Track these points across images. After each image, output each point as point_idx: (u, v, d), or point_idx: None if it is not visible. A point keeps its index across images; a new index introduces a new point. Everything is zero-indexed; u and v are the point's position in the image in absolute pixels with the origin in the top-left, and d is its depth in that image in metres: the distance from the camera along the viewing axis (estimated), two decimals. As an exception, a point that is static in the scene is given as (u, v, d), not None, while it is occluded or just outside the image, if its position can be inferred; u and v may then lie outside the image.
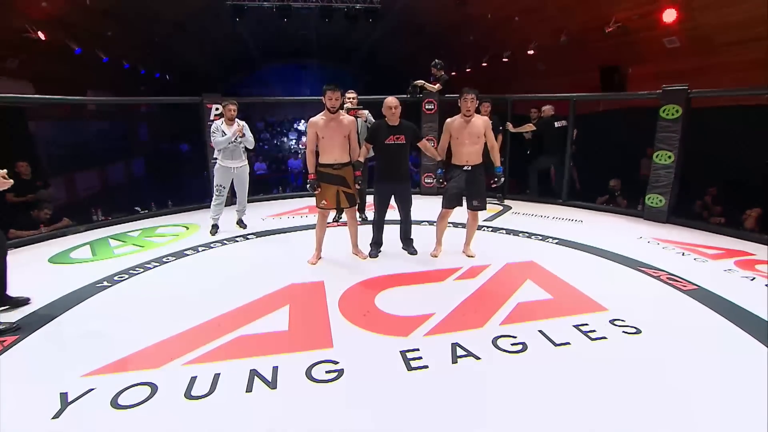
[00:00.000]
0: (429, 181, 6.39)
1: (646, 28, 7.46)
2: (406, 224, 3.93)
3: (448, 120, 3.69)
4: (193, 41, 13.80)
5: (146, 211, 5.93)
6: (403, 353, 2.33)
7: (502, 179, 3.69)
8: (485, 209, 3.80)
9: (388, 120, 3.63)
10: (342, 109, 4.55)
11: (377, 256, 3.87)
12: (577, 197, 6.13)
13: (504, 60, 11.75)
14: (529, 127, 6.06)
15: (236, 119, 4.62)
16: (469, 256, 3.84)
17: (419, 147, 3.85)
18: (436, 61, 6.30)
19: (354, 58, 17.93)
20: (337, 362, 2.27)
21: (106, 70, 11.28)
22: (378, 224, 3.90)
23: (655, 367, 2.21)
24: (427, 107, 6.32)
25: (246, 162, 4.75)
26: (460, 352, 2.35)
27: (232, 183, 4.72)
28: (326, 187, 3.60)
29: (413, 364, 2.24)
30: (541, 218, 5.31)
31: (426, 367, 2.21)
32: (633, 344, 2.44)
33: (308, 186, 3.63)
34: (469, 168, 3.65)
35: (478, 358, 2.30)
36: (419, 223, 4.70)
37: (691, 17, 6.43)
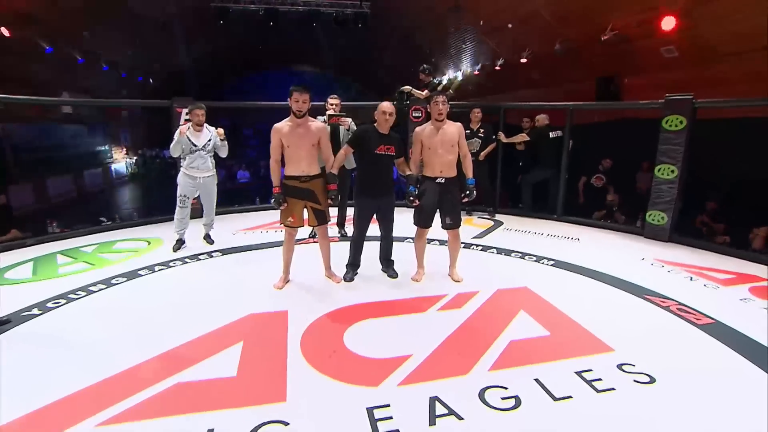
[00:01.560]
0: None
1: (644, 36, 7.20)
2: (386, 243, 3.52)
3: (418, 129, 3.34)
4: (178, 44, 13.37)
5: (110, 222, 5.46)
6: (370, 411, 1.91)
7: (474, 193, 3.31)
8: (459, 226, 3.42)
9: (378, 127, 3.24)
10: (324, 115, 4.20)
11: (353, 279, 3.45)
12: (576, 211, 5.78)
13: (496, 68, 11.48)
14: (522, 138, 5.71)
15: (206, 125, 4.22)
16: (455, 281, 3.44)
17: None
18: (425, 66, 5.94)
19: (343, 64, 17.61)
20: (288, 423, 1.84)
21: (83, 72, 10.81)
22: (356, 243, 3.48)
23: (675, 429, 1.81)
24: (414, 115, 5.95)
25: (214, 172, 4.34)
26: (439, 409, 1.93)
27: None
28: (293, 202, 3.18)
29: (381, 427, 1.81)
30: (535, 235, 4.94)
31: (397, 431, 1.79)
32: (646, 397, 2.04)
33: (272, 201, 3.21)
34: (443, 180, 3.27)
35: (460, 417, 1.88)
36: (402, 240, 4.30)
37: (691, 26, 6.17)
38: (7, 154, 8.31)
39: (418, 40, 12.57)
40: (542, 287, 3.34)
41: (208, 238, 4.47)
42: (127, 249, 4.30)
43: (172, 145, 4.14)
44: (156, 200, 6.08)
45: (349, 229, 4.36)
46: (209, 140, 4.19)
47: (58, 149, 9.35)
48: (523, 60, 10.43)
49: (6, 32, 7.82)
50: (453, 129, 3.25)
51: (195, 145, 4.13)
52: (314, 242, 4.25)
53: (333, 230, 4.62)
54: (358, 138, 3.27)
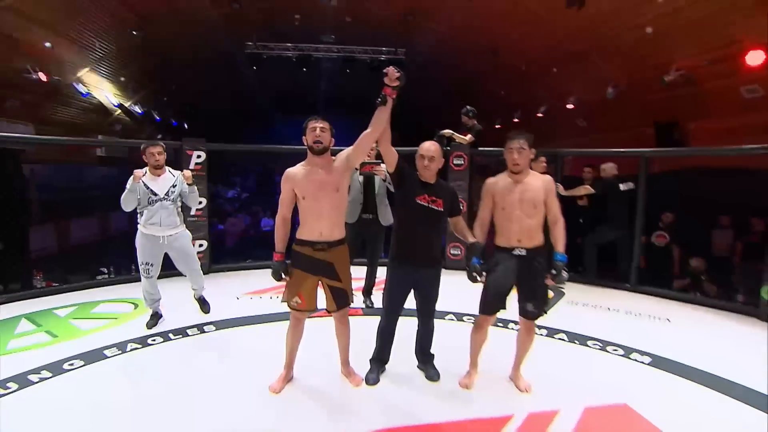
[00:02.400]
0: (456, 252, 5.12)
1: (717, 75, 6.33)
2: (425, 331, 2.61)
3: (490, 181, 2.50)
4: (212, 90, 13.51)
5: (106, 276, 4.83)
6: None
7: (565, 274, 2.39)
8: (541, 316, 2.48)
9: (420, 175, 2.46)
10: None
11: (378, 380, 2.54)
12: (652, 280, 4.72)
13: (539, 115, 10.77)
14: (585, 190, 4.78)
15: (169, 168, 3.35)
16: (521, 390, 2.47)
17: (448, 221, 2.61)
18: (468, 107, 5.26)
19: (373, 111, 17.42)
20: None
21: (117, 116, 10.86)
22: (385, 333, 2.59)
23: None
24: (455, 162, 5.18)
25: (183, 227, 3.40)
26: None
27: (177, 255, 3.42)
28: (302, 276, 2.34)
29: None
30: (610, 313, 3.90)
31: None
32: None
33: (272, 272, 2.37)
34: (523, 252, 2.38)
35: None
36: (442, 316, 3.39)
37: (783, 62, 5.27)
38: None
39: (456, 86, 12.12)
40: (647, 404, 2.33)
41: (202, 303, 3.65)
42: (108, 314, 3.57)
43: (123, 195, 3.18)
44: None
45: (378, 298, 3.50)
46: (173, 186, 3.29)
47: (61, 192, 9.00)
48: (570, 106, 9.71)
49: (44, 77, 7.80)
50: (537, 183, 2.40)
51: (154, 194, 3.21)
52: (328, 315, 3.38)
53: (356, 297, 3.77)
54: (400, 176, 2.43)
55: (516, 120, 11.72)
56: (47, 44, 7.49)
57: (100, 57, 8.71)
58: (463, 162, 5.14)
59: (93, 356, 2.79)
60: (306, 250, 2.33)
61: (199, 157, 4.59)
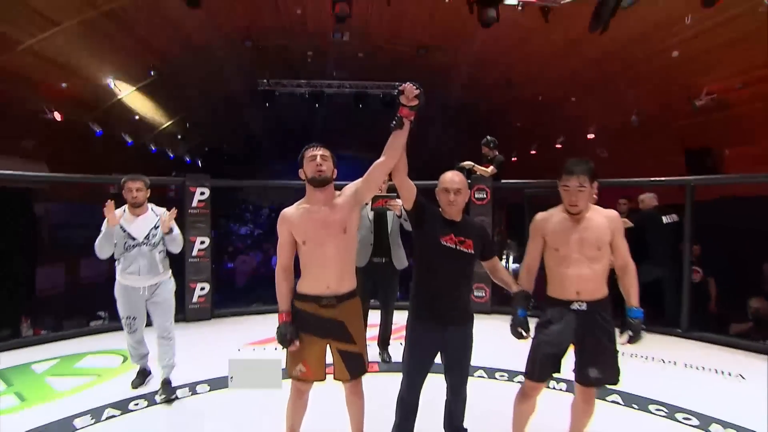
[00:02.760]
0: (480, 294, 4.65)
1: (751, 98, 5.94)
2: (457, 402, 2.12)
3: (541, 216, 2.09)
4: (226, 127, 13.61)
5: (101, 322, 4.48)
6: None
7: (641, 332, 1.93)
8: (616, 382, 1.98)
9: (444, 212, 2.05)
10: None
11: (398, 463, 2.07)
12: (705, 324, 4.16)
13: (557, 146, 10.45)
14: (623, 224, 4.32)
15: (152, 206, 2.91)
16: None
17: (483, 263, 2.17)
18: (488, 138, 4.94)
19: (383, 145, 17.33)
20: None
21: (132, 154, 10.88)
22: (406, 405, 2.09)
23: None
24: (477, 196, 4.80)
25: (167, 276, 2.93)
26: None
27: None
28: (307, 340, 1.92)
29: None
30: (666, 366, 3.37)
31: None
32: None
33: (277, 335, 1.93)
34: (583, 307, 1.93)
35: None
36: (470, 373, 2.91)
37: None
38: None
39: (471, 119, 11.95)
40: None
41: (166, 388, 2.79)
42: (91, 370, 3.19)
43: (97, 241, 2.75)
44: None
45: (395, 351, 3.06)
46: (155, 228, 2.81)
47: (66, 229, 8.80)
48: (590, 135, 9.37)
49: (58, 116, 7.84)
50: (601, 221, 1.97)
51: (132, 238, 2.76)
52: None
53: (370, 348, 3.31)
54: (420, 213, 2.02)
55: (533, 152, 11.42)
56: (63, 85, 7.56)
57: (116, 96, 8.77)
58: (485, 195, 4.76)
59: (59, 429, 2.38)
60: (310, 307, 1.91)
61: (202, 194, 4.32)
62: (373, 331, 3.06)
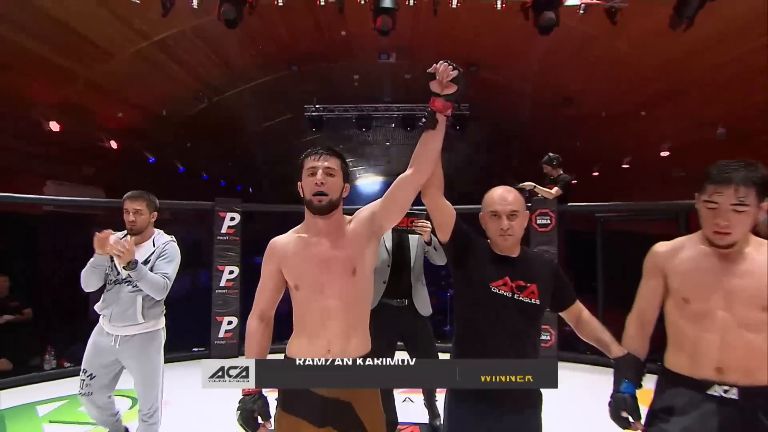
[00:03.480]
0: (544, 338, 3.93)
1: None
2: None
3: (663, 248, 1.45)
4: (275, 153, 13.77)
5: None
6: None
7: None
8: None
9: (494, 245, 1.51)
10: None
11: None
12: None
13: (624, 167, 9.48)
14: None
15: (159, 232, 2.39)
16: None
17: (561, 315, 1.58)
18: (551, 155, 4.33)
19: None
20: None
21: (183, 181, 11.17)
22: None
23: None
24: (539, 222, 4.15)
25: (152, 323, 2.30)
26: None
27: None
28: (295, 426, 1.36)
29: None
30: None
31: None
32: None
33: (239, 416, 1.35)
34: (733, 395, 1.23)
35: None
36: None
37: None
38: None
39: (526, 140, 11.24)
40: None
41: None
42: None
43: (83, 271, 2.27)
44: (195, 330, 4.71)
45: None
46: (144, 263, 2.23)
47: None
48: (665, 153, 8.35)
49: (114, 144, 8.14)
50: (763, 262, 1.29)
51: (116, 271, 2.25)
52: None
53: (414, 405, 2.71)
54: (464, 238, 1.49)
55: (595, 173, 10.46)
56: (119, 114, 7.85)
57: (169, 126, 9.02)
58: (549, 221, 4.10)
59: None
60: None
61: (232, 219, 4.02)
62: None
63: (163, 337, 2.36)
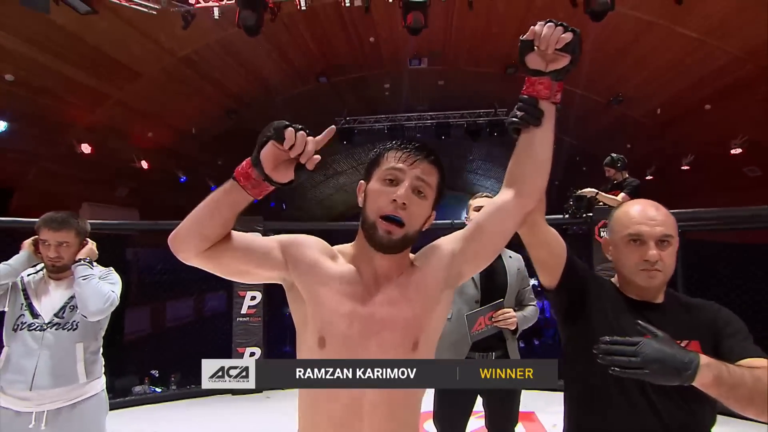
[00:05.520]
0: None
1: None
2: None
3: None
4: (306, 169, 13.64)
5: (145, 387, 3.91)
6: None
7: None
8: None
9: (627, 287, 1.05)
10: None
11: None
12: None
13: (684, 168, 8.56)
14: None
15: (95, 266, 1.73)
16: None
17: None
18: (614, 156, 3.73)
19: (477, 178, 16.22)
20: None
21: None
22: None
23: None
24: (603, 236, 3.52)
25: (95, 389, 1.70)
26: None
27: None
28: None
29: None
30: None
31: None
32: None
33: (269, 135, 0.83)
34: None
35: None
36: None
37: None
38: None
39: (572, 146, 10.49)
40: None
41: None
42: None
43: None
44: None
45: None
46: (68, 302, 1.67)
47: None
48: (736, 150, 7.40)
49: (145, 164, 8.13)
50: None
51: (34, 314, 1.63)
52: None
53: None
54: (581, 280, 1.05)
55: (649, 177, 9.53)
56: (150, 134, 7.83)
57: (199, 143, 8.97)
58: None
59: None
60: None
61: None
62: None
63: (105, 400, 1.73)
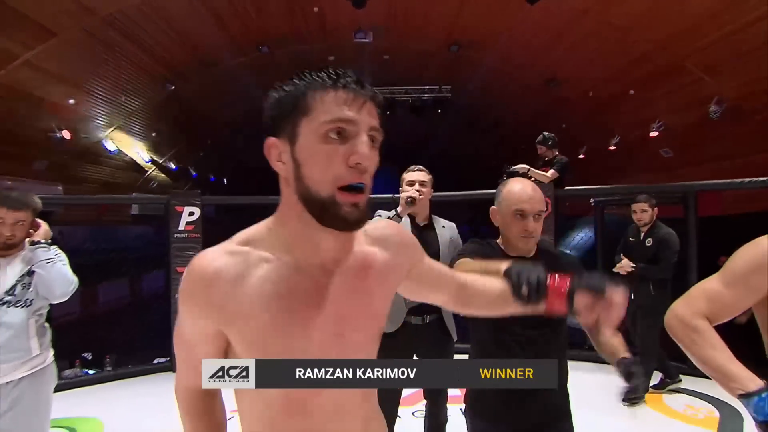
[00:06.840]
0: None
1: None
2: None
3: None
4: (248, 142, 13.17)
5: (76, 371, 3.72)
6: None
7: None
8: None
9: (509, 246, 1.35)
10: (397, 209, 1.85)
11: None
12: None
13: (610, 149, 9.25)
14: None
15: (41, 243, 1.72)
16: None
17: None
18: (545, 134, 3.96)
19: (418, 155, 16.47)
20: None
21: (152, 173, 10.49)
22: None
23: None
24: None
25: (45, 361, 1.77)
26: None
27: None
28: None
29: None
30: None
31: None
32: None
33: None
34: None
35: None
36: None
37: None
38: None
39: (510, 123, 10.92)
40: None
41: None
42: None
43: None
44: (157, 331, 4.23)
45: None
46: (28, 275, 1.70)
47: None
48: (654, 133, 8.10)
49: (68, 135, 7.42)
50: None
51: None
52: None
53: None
54: (482, 254, 1.26)
55: (581, 156, 10.21)
56: (71, 101, 7.14)
57: (129, 113, 8.33)
58: (545, 207, 3.74)
59: None
60: None
61: (191, 214, 3.53)
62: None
63: (54, 372, 1.80)
